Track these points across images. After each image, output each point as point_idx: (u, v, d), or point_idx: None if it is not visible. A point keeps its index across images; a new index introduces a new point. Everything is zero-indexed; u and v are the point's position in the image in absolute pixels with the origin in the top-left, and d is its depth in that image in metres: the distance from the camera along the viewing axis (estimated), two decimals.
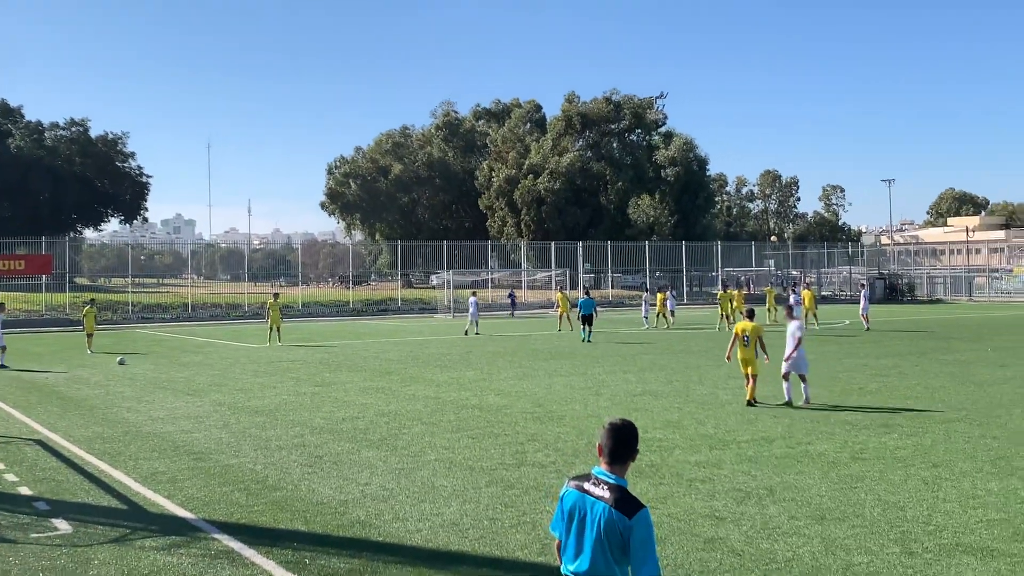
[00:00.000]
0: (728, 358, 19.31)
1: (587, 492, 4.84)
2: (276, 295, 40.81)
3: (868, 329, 40.09)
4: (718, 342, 34.93)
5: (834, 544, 9.01)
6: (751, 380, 18.29)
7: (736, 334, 18.88)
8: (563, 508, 4.95)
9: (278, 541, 9.48)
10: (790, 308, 19.75)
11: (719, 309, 44.30)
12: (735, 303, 43.72)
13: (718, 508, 10.38)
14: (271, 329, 37.76)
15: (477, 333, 42.33)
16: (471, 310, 43.79)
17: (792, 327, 18.71)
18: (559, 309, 45.59)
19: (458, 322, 54.46)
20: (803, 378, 18.39)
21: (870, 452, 13.36)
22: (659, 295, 46.77)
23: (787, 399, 18.19)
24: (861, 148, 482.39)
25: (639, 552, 4.63)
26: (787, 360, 18.47)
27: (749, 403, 18.10)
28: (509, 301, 61.89)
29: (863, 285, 46.09)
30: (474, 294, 46.79)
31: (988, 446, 13.74)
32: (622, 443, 4.89)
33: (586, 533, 4.78)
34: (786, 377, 18.44)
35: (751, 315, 19.54)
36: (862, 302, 42.63)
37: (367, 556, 8.95)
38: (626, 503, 4.69)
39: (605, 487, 4.79)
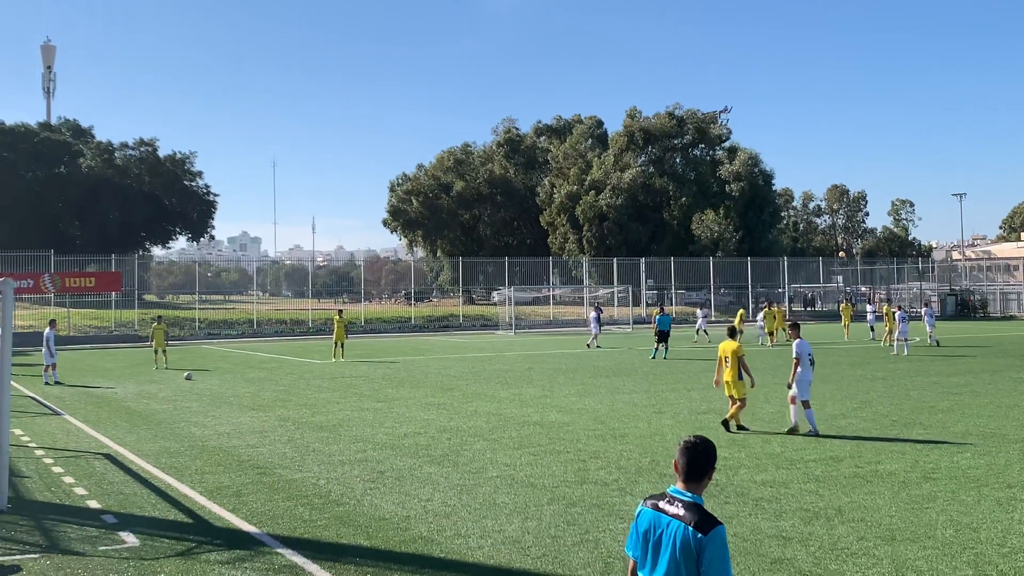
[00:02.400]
0: (716, 383, 17.95)
1: (662, 511, 4.82)
2: (341, 311, 41.20)
3: (937, 344, 39.59)
4: (769, 360, 34.48)
5: (904, 566, 8.79)
6: (734, 404, 17.17)
7: (720, 356, 17.68)
8: (638, 528, 4.92)
9: (341, 556, 9.50)
10: (795, 325, 18.41)
11: (764, 327, 44.51)
12: (777, 320, 43.81)
13: (785, 528, 10.19)
14: (335, 345, 38.11)
15: (598, 347, 43.30)
16: (593, 325, 45.44)
17: (793, 347, 17.35)
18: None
19: (519, 338, 54.47)
20: (805, 404, 16.86)
21: (942, 472, 13.04)
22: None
23: (812, 428, 16.72)
24: (931, 162, 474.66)
25: (713, 569, 4.59)
26: (789, 386, 17.19)
27: (732, 426, 16.99)
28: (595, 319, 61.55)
29: (927, 304, 44.55)
30: (597, 308, 48.29)
31: None
32: (697, 460, 4.87)
33: (662, 551, 4.75)
34: (792, 400, 17.11)
35: (732, 334, 18.19)
36: (927, 320, 41.40)
37: (429, 572, 8.93)
38: (701, 520, 4.66)
39: (680, 505, 4.77)
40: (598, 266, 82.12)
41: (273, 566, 9.21)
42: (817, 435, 16.40)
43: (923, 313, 41.85)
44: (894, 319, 39.07)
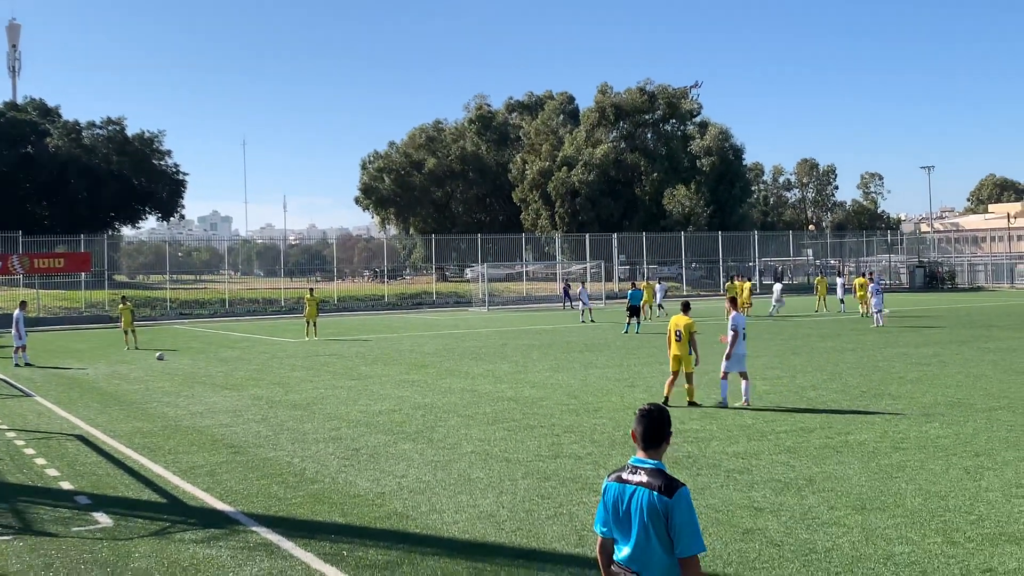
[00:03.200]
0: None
1: (626, 481, 4.90)
2: (312, 290, 41.07)
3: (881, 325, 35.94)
4: (754, 331, 34.72)
5: (874, 534, 8.91)
6: (688, 379, 17.15)
7: (670, 329, 17.44)
8: (605, 503, 4.99)
9: (316, 533, 9.52)
10: (732, 300, 18.47)
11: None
12: (743, 295, 44.22)
13: (756, 499, 10.30)
14: (307, 323, 38.01)
15: (593, 320, 43.66)
16: (583, 299, 46.12)
17: (729, 321, 17.29)
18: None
19: (493, 315, 54.53)
20: (743, 375, 17.00)
21: (911, 441, 13.21)
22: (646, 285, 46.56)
23: (722, 400, 16.92)
24: (899, 135, 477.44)
25: (682, 529, 4.68)
26: (727, 358, 17.09)
27: (690, 404, 17.00)
28: (564, 294, 61.62)
29: (871, 278, 43.28)
30: (583, 284, 48.82)
31: None
32: (654, 427, 4.98)
33: (632, 522, 4.82)
34: (725, 376, 17.08)
35: (686, 308, 18.00)
36: (874, 296, 36.96)
37: (404, 548, 8.97)
38: (665, 484, 4.75)
39: (643, 472, 4.86)
40: (570, 242, 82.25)
41: (248, 544, 9.22)
42: (724, 406, 16.66)
43: (870, 290, 38.32)
44: (867, 292, 39.20)
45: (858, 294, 43.25)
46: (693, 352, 17.16)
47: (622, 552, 4.89)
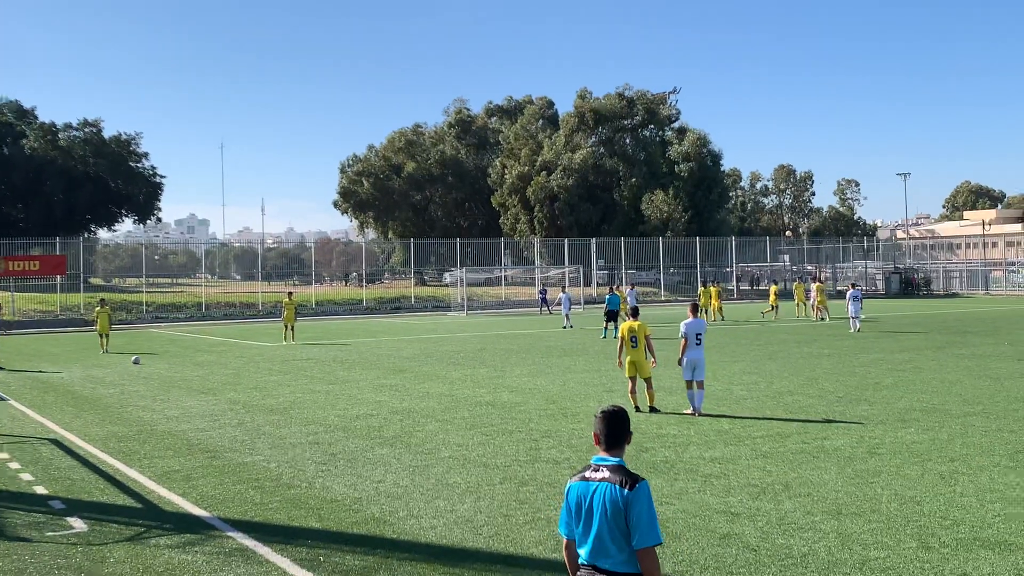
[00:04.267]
0: (620, 363, 17.67)
1: (589, 479, 5.02)
2: (290, 294, 40.92)
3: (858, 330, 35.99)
4: (732, 336, 34.85)
5: (850, 539, 8.95)
6: (648, 384, 17.13)
7: (622, 336, 17.42)
8: (569, 503, 5.09)
9: (292, 538, 9.48)
10: (694, 306, 18.43)
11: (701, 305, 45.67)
12: (713, 300, 45.14)
13: (733, 504, 10.33)
14: (285, 327, 37.87)
15: (571, 326, 43.25)
16: (564, 304, 45.46)
17: (680, 327, 17.18)
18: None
19: (471, 319, 54.50)
20: (699, 384, 16.80)
21: (886, 447, 13.28)
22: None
23: (693, 408, 16.76)
24: (876, 142, 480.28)
25: (640, 521, 4.79)
26: (679, 363, 17.13)
27: (644, 407, 17.00)
28: (541, 298, 61.48)
29: (854, 284, 43.72)
30: (563, 290, 48.46)
31: (1006, 440, 13.64)
32: (615, 427, 5.13)
33: (594, 517, 4.92)
34: (689, 384, 16.92)
35: (635, 313, 18.10)
36: (852, 302, 37.13)
37: (381, 553, 8.94)
38: (626, 478, 4.89)
39: (605, 469, 5.00)
40: (549, 247, 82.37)
41: (224, 549, 9.17)
42: (698, 414, 16.51)
43: (848, 296, 38.18)
44: (804, 294, 42.59)
45: (797, 299, 44.93)
46: (650, 355, 17.18)
47: (583, 550, 4.97)
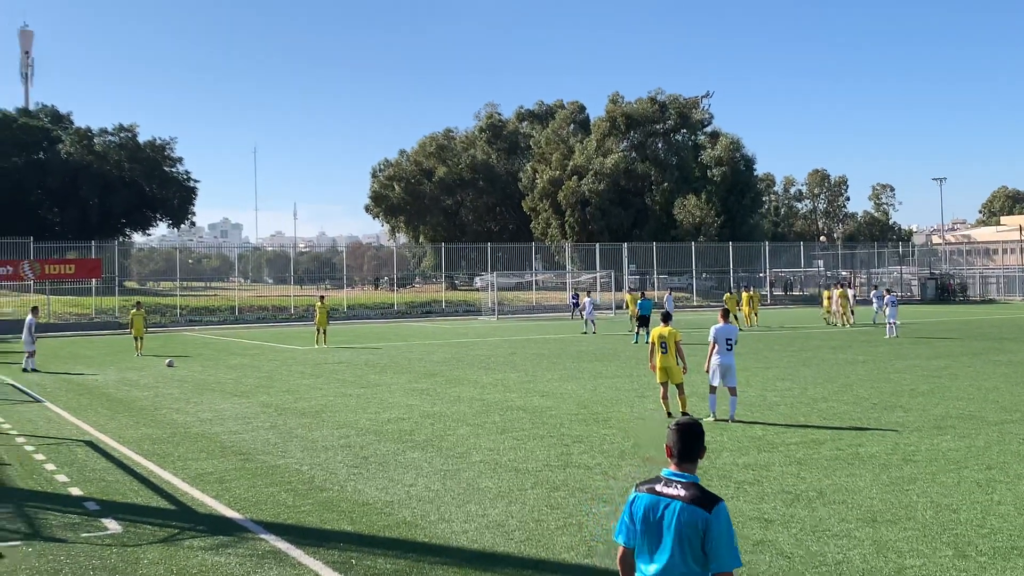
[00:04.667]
0: (652, 367, 17.49)
1: (660, 493, 4.83)
2: (322, 297, 41.15)
3: (896, 336, 35.94)
4: (766, 343, 34.64)
5: (885, 547, 8.86)
6: (679, 389, 17.07)
7: (653, 341, 17.41)
8: (633, 513, 4.91)
9: (324, 541, 9.50)
10: (725, 311, 18.07)
11: (742, 309, 46.53)
12: (745, 306, 46.36)
13: (767, 510, 10.25)
14: (318, 331, 38.05)
15: (594, 332, 42.86)
16: (587, 310, 44.95)
17: (711, 332, 17.06)
18: (629, 310, 45.35)
19: (502, 323, 54.51)
20: (732, 391, 16.75)
21: (922, 454, 13.14)
22: (628, 296, 46.48)
23: (711, 412, 16.73)
24: (911, 146, 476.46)
25: (719, 544, 4.65)
26: (706, 370, 17.11)
27: (683, 415, 16.61)
28: (573, 303, 61.32)
29: (888, 290, 43.74)
30: (588, 294, 47.99)
31: None
32: (690, 441, 4.92)
33: (664, 533, 4.75)
34: (713, 389, 16.94)
35: (666, 319, 17.87)
36: (889, 307, 37.21)
37: (413, 557, 8.94)
38: (703, 498, 4.71)
39: (679, 486, 4.80)
40: (580, 251, 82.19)
41: (257, 551, 9.21)
42: (714, 419, 16.41)
43: (886, 301, 38.16)
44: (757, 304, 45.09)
45: (744, 309, 46.20)
46: (681, 361, 17.12)
47: (651, 567, 4.81)
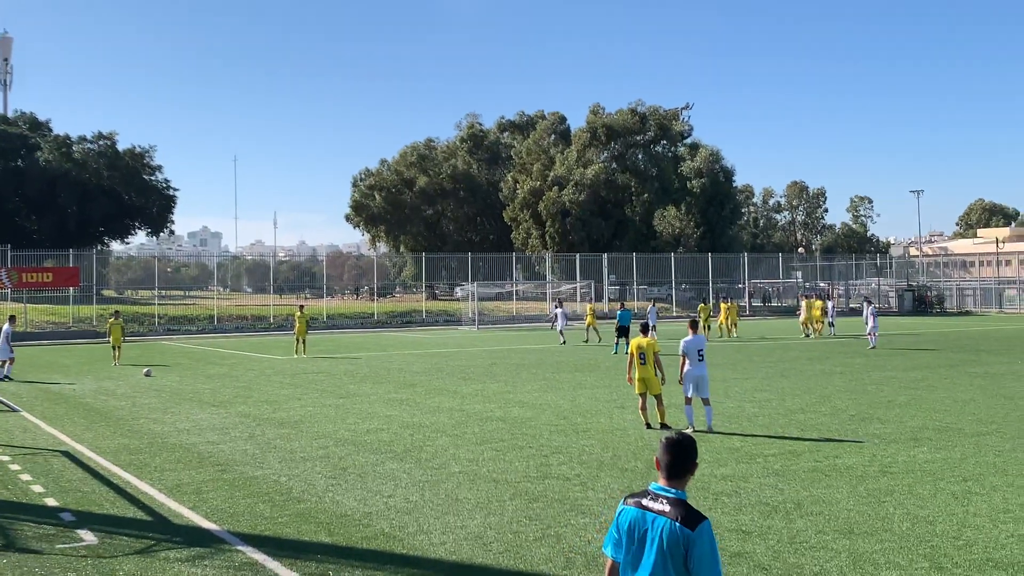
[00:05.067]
0: (629, 380, 17.78)
1: (647, 508, 4.81)
2: (302, 307, 40.98)
3: (873, 347, 36.25)
4: (744, 354, 34.77)
5: (862, 559, 8.90)
6: (658, 400, 17.14)
7: (632, 352, 17.59)
8: (619, 526, 4.90)
9: (302, 553, 9.47)
10: (693, 322, 18.26)
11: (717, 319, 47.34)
12: (722, 317, 46.86)
13: (744, 522, 10.28)
14: (297, 341, 37.93)
15: (563, 343, 42.54)
16: (559, 320, 44.61)
17: (680, 345, 17.18)
18: (587, 320, 45.14)
19: (482, 333, 54.50)
20: (705, 401, 16.87)
21: (899, 466, 13.21)
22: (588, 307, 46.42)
23: (688, 423, 16.77)
24: (889, 159, 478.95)
25: (701, 564, 4.61)
26: (679, 382, 17.20)
27: (655, 424, 17.02)
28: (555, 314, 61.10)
29: (868, 301, 44.23)
30: (560, 304, 47.51)
31: (1019, 460, 13.56)
32: (680, 457, 4.89)
33: (647, 549, 4.74)
34: (688, 401, 16.97)
35: (646, 330, 18.06)
36: (870, 319, 37.74)
37: (391, 568, 8.93)
38: (688, 515, 4.68)
39: (665, 501, 4.77)
40: (561, 262, 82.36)
41: (233, 563, 9.16)
42: (692, 429, 16.35)
43: (869, 311, 38.51)
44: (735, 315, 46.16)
45: (720, 319, 46.64)
46: (659, 373, 17.19)
47: None
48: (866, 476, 12.54)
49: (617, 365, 30.52)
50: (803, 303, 48.35)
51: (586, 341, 42.75)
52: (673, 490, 4.82)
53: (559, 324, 44.56)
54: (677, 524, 4.64)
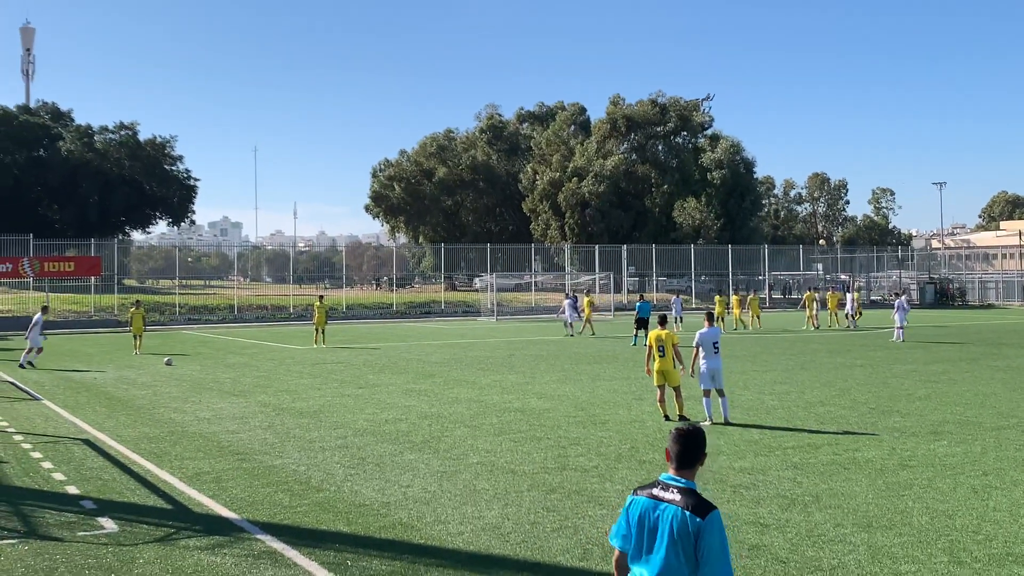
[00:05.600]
0: (648, 371, 17.56)
1: (657, 498, 4.87)
2: (321, 297, 41.13)
3: (902, 341, 35.97)
4: (764, 346, 34.66)
5: (880, 552, 8.87)
6: (676, 392, 17.14)
7: (651, 344, 17.43)
8: (629, 517, 4.96)
9: (321, 542, 9.51)
10: (709, 314, 18.11)
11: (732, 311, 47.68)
12: (753, 308, 47.32)
13: (763, 515, 10.26)
14: (316, 330, 38.05)
15: (571, 335, 42.41)
16: (567, 312, 44.09)
17: (696, 336, 17.20)
18: (585, 313, 44.80)
19: (501, 325, 54.52)
20: (720, 392, 16.86)
21: (918, 459, 13.15)
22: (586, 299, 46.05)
23: (708, 417, 16.62)
24: (912, 151, 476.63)
25: (711, 553, 4.66)
26: (692, 374, 17.29)
27: (681, 418, 16.86)
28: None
29: (897, 295, 44.19)
30: (568, 296, 47.20)
31: None
32: (689, 448, 4.97)
33: (658, 538, 4.80)
34: (706, 393, 16.98)
35: (663, 322, 18.07)
36: (899, 312, 37.29)
37: (408, 558, 8.95)
38: (698, 504, 4.74)
39: (675, 491, 4.84)
40: (580, 253, 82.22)
41: (252, 552, 9.21)
42: (711, 422, 16.37)
43: (896, 304, 38.26)
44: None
45: (735, 312, 47.09)
46: (678, 364, 17.22)
47: (644, 571, 4.85)
48: (885, 470, 12.49)
49: (635, 357, 30.48)
50: (804, 295, 48.69)
51: (593, 334, 42.68)
52: (683, 480, 4.89)
53: (567, 315, 43.87)
54: (687, 513, 4.70)
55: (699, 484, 4.95)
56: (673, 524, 4.72)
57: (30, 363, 29.28)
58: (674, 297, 49.59)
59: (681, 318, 46.72)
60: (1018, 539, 9.25)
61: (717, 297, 48.47)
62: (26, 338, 30.65)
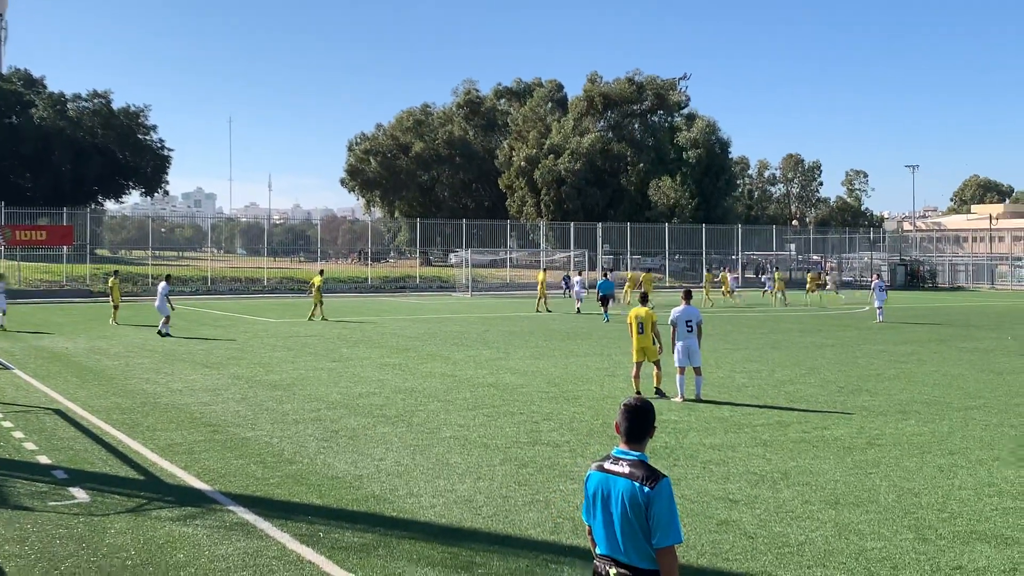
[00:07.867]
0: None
1: (608, 471, 4.95)
2: (322, 271, 40.89)
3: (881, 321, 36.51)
4: (736, 325, 34.88)
5: (847, 529, 8.99)
6: (656, 365, 17.28)
7: (630, 322, 17.60)
8: (588, 491, 5.06)
9: (292, 514, 9.54)
10: (687, 292, 18.17)
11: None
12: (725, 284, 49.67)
13: (732, 491, 10.37)
14: (316, 305, 37.28)
15: (579, 311, 42.36)
16: (576, 288, 44.22)
17: (671, 313, 17.37)
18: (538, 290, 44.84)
19: (476, 300, 54.52)
20: (697, 371, 16.96)
21: (886, 438, 13.31)
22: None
23: (679, 393, 16.89)
24: (885, 133, 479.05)
25: (660, 519, 4.75)
26: (672, 351, 17.31)
27: (656, 391, 17.04)
28: (564, 284, 60.70)
29: (878, 276, 44.81)
30: (580, 273, 47.25)
31: (1006, 434, 13.67)
32: (638, 421, 5.02)
33: (612, 510, 4.89)
34: (680, 371, 17.04)
35: (644, 300, 18.44)
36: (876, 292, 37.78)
37: (380, 531, 9.00)
38: (647, 475, 4.82)
39: (626, 463, 4.92)
40: (555, 230, 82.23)
41: (224, 523, 9.23)
42: (682, 399, 16.64)
43: (873, 286, 38.77)
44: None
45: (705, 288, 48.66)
46: (657, 342, 17.35)
47: (601, 541, 4.96)
48: (853, 448, 12.64)
49: (609, 334, 30.61)
50: (775, 274, 50.29)
51: (549, 311, 42.75)
52: (634, 452, 4.97)
53: (576, 292, 44.04)
54: (637, 484, 4.79)
55: (649, 455, 5.02)
56: (624, 496, 4.82)
57: (167, 333, 29.35)
58: (641, 275, 49.15)
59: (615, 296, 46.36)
60: (982, 517, 9.41)
61: (707, 275, 49.44)
62: (157, 308, 31.03)
